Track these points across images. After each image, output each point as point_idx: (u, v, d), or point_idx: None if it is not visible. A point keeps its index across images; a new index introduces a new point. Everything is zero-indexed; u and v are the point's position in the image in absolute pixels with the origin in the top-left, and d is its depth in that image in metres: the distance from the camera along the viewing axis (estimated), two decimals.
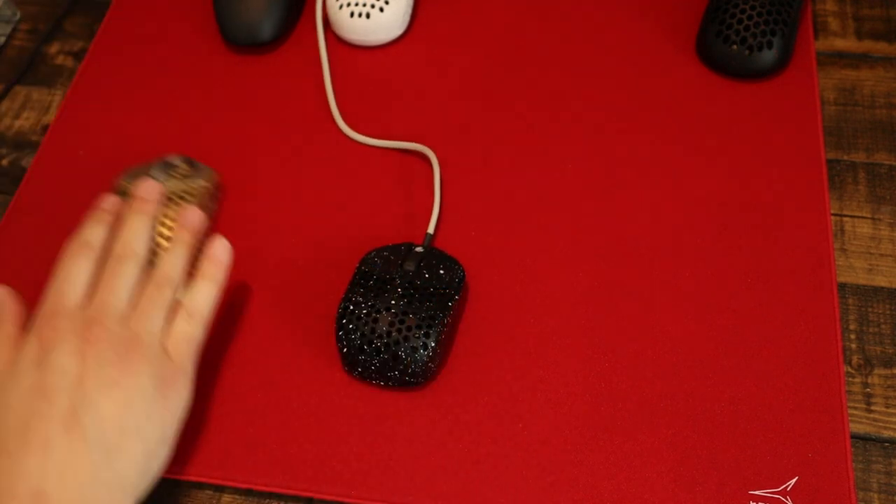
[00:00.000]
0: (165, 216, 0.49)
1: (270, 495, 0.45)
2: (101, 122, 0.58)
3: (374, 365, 0.45)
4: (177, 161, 0.53)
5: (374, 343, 0.45)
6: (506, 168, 0.55)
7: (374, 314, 0.45)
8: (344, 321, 0.46)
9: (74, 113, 0.59)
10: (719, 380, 0.46)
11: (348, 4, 0.59)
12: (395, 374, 0.45)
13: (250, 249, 0.52)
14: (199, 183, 0.52)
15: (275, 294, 0.50)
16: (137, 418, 0.39)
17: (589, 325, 0.48)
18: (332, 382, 0.47)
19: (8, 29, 0.65)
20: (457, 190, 0.54)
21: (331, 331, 0.49)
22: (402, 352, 0.45)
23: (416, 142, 0.55)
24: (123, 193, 0.50)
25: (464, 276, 0.48)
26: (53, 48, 0.64)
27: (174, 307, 0.44)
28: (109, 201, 0.48)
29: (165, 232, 0.48)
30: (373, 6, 0.59)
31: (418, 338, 0.45)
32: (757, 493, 0.43)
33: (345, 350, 0.46)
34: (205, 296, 0.45)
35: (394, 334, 0.45)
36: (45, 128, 0.60)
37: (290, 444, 0.45)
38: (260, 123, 0.58)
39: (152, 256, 0.46)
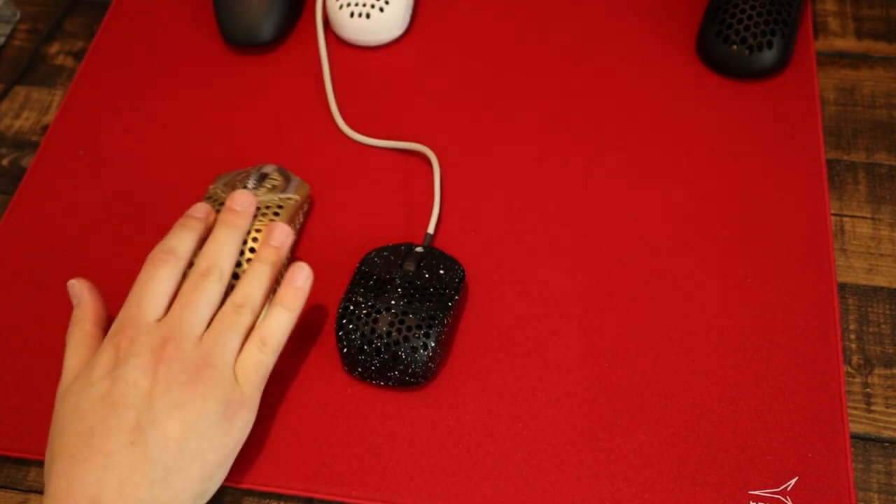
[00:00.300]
0: (254, 229, 0.48)
1: (270, 495, 0.45)
2: (101, 122, 0.58)
3: (374, 365, 0.45)
4: (271, 171, 0.51)
5: (374, 343, 0.45)
6: (506, 168, 0.55)
7: (374, 314, 0.45)
8: (344, 321, 0.46)
9: (74, 113, 0.59)
10: (719, 380, 0.46)
11: (348, 4, 0.59)
12: (395, 374, 0.45)
13: None
14: (291, 196, 0.51)
15: None
16: (199, 441, 0.39)
17: (589, 325, 0.48)
18: (332, 382, 0.47)
19: (8, 29, 0.65)
20: (457, 190, 0.54)
21: (331, 331, 0.49)
22: (402, 352, 0.45)
23: (416, 142, 0.55)
24: (214, 200, 0.50)
25: (464, 276, 0.48)
26: (53, 48, 0.64)
27: (250, 329, 0.43)
28: (199, 209, 0.47)
29: (251, 244, 0.47)
30: (373, 6, 0.59)
31: (418, 338, 0.45)
32: (757, 493, 0.43)
33: (345, 350, 0.46)
34: (280, 324, 0.44)
35: (394, 334, 0.45)
36: (45, 128, 0.60)
37: (290, 444, 0.45)
38: (260, 123, 0.58)
39: (236, 269, 0.45)
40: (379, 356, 0.45)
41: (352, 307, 0.46)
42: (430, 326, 0.45)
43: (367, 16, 0.59)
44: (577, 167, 0.54)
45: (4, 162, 0.58)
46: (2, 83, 0.62)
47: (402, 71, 0.60)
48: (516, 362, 0.47)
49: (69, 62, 0.63)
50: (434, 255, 0.48)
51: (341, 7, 0.59)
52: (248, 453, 0.45)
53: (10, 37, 0.65)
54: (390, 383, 0.46)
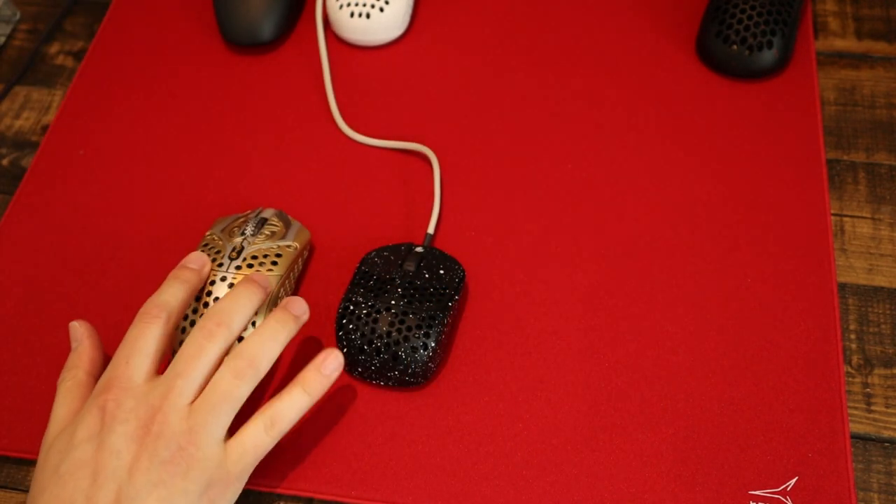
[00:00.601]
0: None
1: (270, 495, 0.45)
2: (101, 122, 0.58)
3: (374, 365, 0.45)
4: (270, 216, 0.49)
5: (374, 343, 0.45)
6: (505, 168, 0.55)
7: (374, 314, 0.45)
8: (344, 321, 0.46)
9: (74, 113, 0.59)
10: (719, 380, 0.46)
11: (348, 4, 0.59)
12: (395, 374, 0.45)
13: None
14: (290, 243, 0.49)
15: None
16: None
17: (589, 325, 0.48)
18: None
19: (8, 29, 0.65)
20: (457, 190, 0.54)
21: (331, 331, 0.49)
22: (402, 352, 0.45)
23: (416, 142, 0.55)
24: (210, 248, 0.48)
25: (464, 276, 0.48)
26: (53, 48, 0.64)
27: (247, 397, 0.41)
28: (194, 259, 0.45)
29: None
30: (373, 6, 0.59)
31: (418, 338, 0.45)
32: (757, 493, 0.43)
33: (345, 350, 0.46)
34: (295, 407, 0.41)
35: (394, 334, 0.45)
36: (45, 128, 0.60)
37: (290, 444, 0.45)
38: (260, 123, 0.58)
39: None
40: (379, 356, 0.45)
41: (352, 307, 0.46)
42: (430, 326, 0.45)
43: (367, 16, 0.59)
44: (576, 167, 0.54)
45: (4, 162, 0.58)
46: (2, 83, 0.62)
47: (402, 71, 0.60)
48: (516, 362, 0.47)
49: (69, 62, 0.63)
50: (434, 256, 0.48)
51: (341, 7, 0.59)
52: None
53: (10, 37, 0.65)
54: (390, 383, 0.46)
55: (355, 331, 0.45)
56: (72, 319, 0.48)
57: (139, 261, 0.52)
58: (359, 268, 0.48)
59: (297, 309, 0.43)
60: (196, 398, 0.40)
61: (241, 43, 0.60)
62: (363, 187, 0.54)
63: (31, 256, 0.53)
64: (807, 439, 0.44)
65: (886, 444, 0.45)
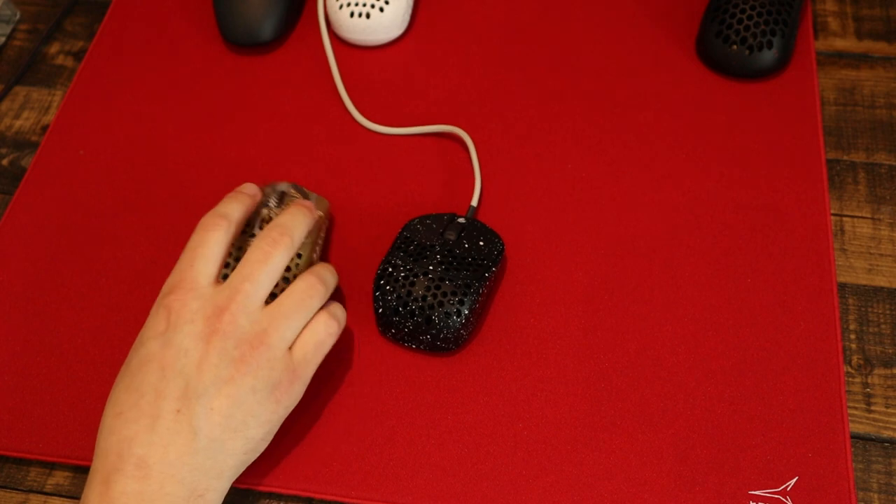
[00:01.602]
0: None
1: (270, 495, 0.45)
2: (101, 122, 0.58)
3: (408, 327, 0.46)
4: (287, 188, 0.49)
5: (409, 305, 0.46)
6: (505, 168, 0.55)
7: (411, 277, 0.46)
8: (381, 282, 0.47)
9: (74, 113, 0.59)
10: (719, 380, 0.46)
11: (348, 4, 0.59)
12: (426, 339, 0.46)
13: None
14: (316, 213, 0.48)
15: None
16: (245, 417, 0.40)
17: (589, 325, 0.48)
18: (332, 382, 0.47)
19: (8, 29, 0.65)
20: (456, 189, 0.54)
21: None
22: (435, 316, 0.45)
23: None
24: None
25: (503, 249, 0.49)
26: (53, 48, 0.64)
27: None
28: (249, 187, 0.47)
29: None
30: (373, 6, 0.59)
31: (452, 304, 0.45)
32: (757, 493, 0.43)
33: (380, 310, 0.47)
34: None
35: (429, 299, 0.46)
36: (45, 128, 0.60)
37: (290, 444, 0.45)
38: (264, 122, 0.57)
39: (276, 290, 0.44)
40: (413, 319, 0.46)
41: (390, 269, 0.47)
42: (465, 294, 0.46)
43: (367, 16, 0.59)
44: (575, 167, 0.54)
45: (4, 162, 0.58)
46: (2, 83, 0.62)
47: (402, 70, 0.60)
48: (516, 362, 0.47)
49: (69, 62, 0.63)
50: (475, 227, 0.49)
51: (341, 7, 0.59)
52: None
53: (10, 37, 0.65)
54: (422, 347, 0.47)
55: (392, 292, 0.46)
56: (71, 319, 0.48)
57: (139, 260, 0.52)
58: (401, 233, 0.49)
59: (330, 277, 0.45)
60: (262, 303, 0.41)
61: (241, 43, 0.60)
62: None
63: (31, 256, 0.53)
64: (807, 439, 0.44)
65: (886, 444, 0.45)
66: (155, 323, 0.40)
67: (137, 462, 0.37)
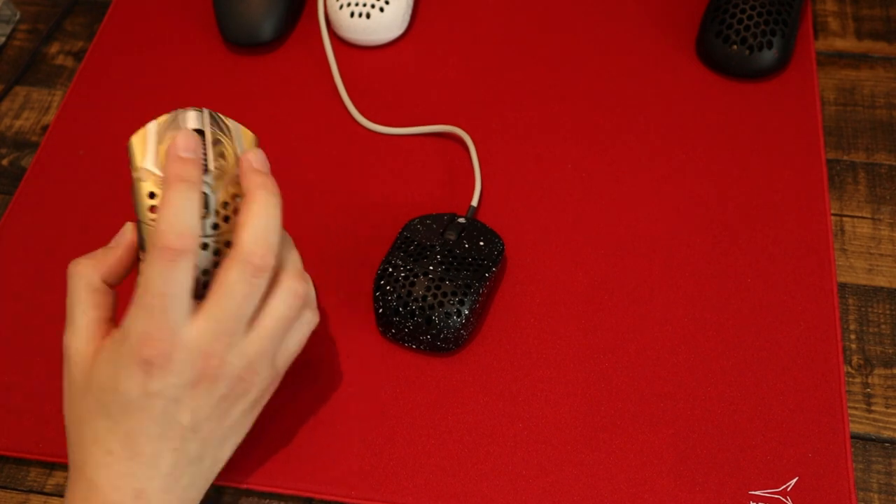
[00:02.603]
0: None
1: (270, 495, 0.45)
2: (101, 122, 0.58)
3: (408, 327, 0.46)
4: (204, 115, 0.40)
5: (409, 306, 0.46)
6: (505, 169, 0.55)
7: (411, 278, 0.46)
8: (382, 282, 0.47)
9: (74, 113, 0.59)
10: (719, 380, 0.46)
11: (348, 4, 0.59)
12: (427, 339, 0.46)
13: None
14: (241, 146, 0.41)
15: None
16: (234, 429, 0.40)
17: (589, 325, 0.48)
18: (331, 382, 0.47)
19: (8, 29, 0.65)
20: (456, 189, 0.54)
21: (343, 320, 0.49)
22: (435, 316, 0.45)
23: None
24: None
25: (503, 249, 0.49)
26: (53, 48, 0.64)
27: None
28: (187, 144, 0.38)
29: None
30: (373, 6, 0.59)
31: (452, 304, 0.45)
32: (757, 493, 0.43)
33: (380, 311, 0.47)
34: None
35: (429, 299, 0.46)
36: (45, 128, 0.60)
37: (290, 444, 0.45)
38: (264, 122, 0.57)
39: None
40: (413, 319, 0.46)
41: (390, 269, 0.47)
42: (465, 294, 0.46)
43: (367, 16, 0.59)
44: (575, 167, 0.54)
45: (4, 162, 0.58)
46: (2, 83, 0.62)
47: (403, 70, 0.60)
48: (516, 362, 0.47)
49: (69, 62, 0.63)
50: (476, 227, 0.49)
51: (341, 7, 0.59)
52: (248, 453, 0.45)
53: (10, 37, 0.65)
54: (422, 347, 0.47)
55: (392, 292, 0.46)
56: None
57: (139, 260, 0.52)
58: (401, 233, 0.49)
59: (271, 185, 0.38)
60: (246, 328, 0.38)
61: (241, 43, 0.60)
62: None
63: (31, 256, 0.53)
64: (807, 439, 0.44)
65: (886, 444, 0.45)
66: (133, 381, 0.36)
67: (136, 494, 0.37)
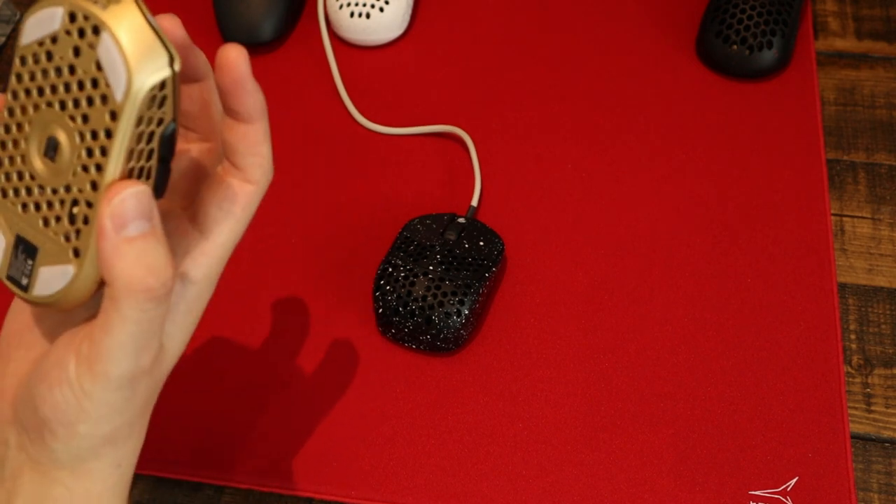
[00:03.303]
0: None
1: (270, 495, 0.45)
2: None
3: (408, 327, 0.46)
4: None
5: (409, 306, 0.46)
6: (505, 169, 0.55)
7: (411, 278, 0.46)
8: (381, 282, 0.47)
9: None
10: (719, 380, 0.46)
11: (348, 4, 0.59)
12: (426, 339, 0.46)
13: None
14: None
15: (282, 292, 0.50)
16: None
17: (589, 325, 0.48)
18: (331, 383, 0.47)
19: (8, 29, 0.65)
20: (456, 189, 0.54)
21: (343, 320, 0.49)
22: (435, 316, 0.45)
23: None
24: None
25: (503, 249, 0.49)
26: None
27: None
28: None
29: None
30: (373, 6, 0.59)
31: (452, 304, 0.45)
32: (757, 493, 0.43)
33: (380, 311, 0.47)
34: None
35: (429, 299, 0.46)
36: None
37: (290, 444, 0.45)
38: (269, 122, 0.57)
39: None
40: (413, 319, 0.46)
41: (390, 269, 0.47)
42: (465, 294, 0.46)
43: (367, 16, 0.59)
44: (575, 167, 0.54)
45: None
46: (2, 83, 0.62)
47: (403, 70, 0.60)
48: (516, 362, 0.47)
49: None
50: (476, 227, 0.49)
51: (341, 7, 0.59)
52: (248, 453, 0.45)
53: (10, 37, 0.65)
54: (422, 347, 0.47)
55: (392, 292, 0.46)
56: None
57: None
58: (401, 233, 0.49)
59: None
60: None
61: (241, 43, 0.60)
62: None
63: None
64: (807, 439, 0.44)
65: (886, 444, 0.45)
66: None
67: None
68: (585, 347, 0.48)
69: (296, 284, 0.51)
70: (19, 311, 0.33)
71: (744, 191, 0.53)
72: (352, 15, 0.59)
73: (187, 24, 0.63)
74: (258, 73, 0.60)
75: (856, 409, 0.46)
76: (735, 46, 0.56)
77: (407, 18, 0.61)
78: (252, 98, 0.30)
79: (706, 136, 0.55)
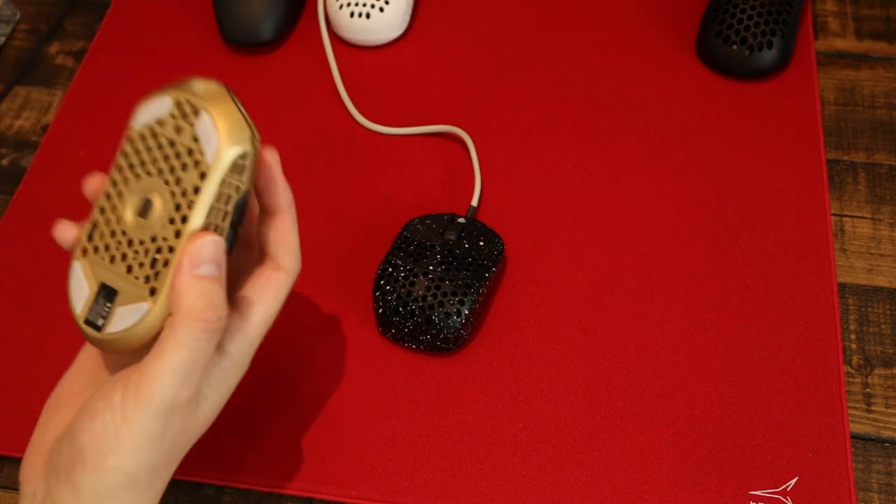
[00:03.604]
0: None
1: (270, 495, 0.45)
2: (101, 122, 0.58)
3: (408, 327, 0.46)
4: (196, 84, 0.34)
5: (409, 306, 0.46)
6: (505, 169, 0.55)
7: (411, 277, 0.46)
8: (381, 282, 0.47)
9: (74, 113, 0.59)
10: (719, 380, 0.46)
11: (348, 4, 0.59)
12: (426, 339, 0.46)
13: None
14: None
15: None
16: None
17: (589, 325, 0.48)
18: (331, 382, 0.47)
19: (8, 29, 0.65)
20: (456, 189, 0.54)
21: (343, 320, 0.49)
22: (435, 316, 0.45)
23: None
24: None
25: (503, 249, 0.49)
26: (53, 48, 0.64)
27: None
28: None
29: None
30: (373, 6, 0.59)
31: (452, 304, 0.45)
32: (757, 493, 0.43)
33: (380, 311, 0.47)
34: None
35: (429, 299, 0.46)
36: (45, 128, 0.60)
37: (290, 444, 0.45)
38: (264, 121, 0.57)
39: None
40: (413, 319, 0.46)
41: (390, 269, 0.47)
42: (465, 294, 0.46)
43: (367, 16, 0.59)
44: (575, 167, 0.54)
45: (4, 162, 0.58)
46: (2, 83, 0.62)
47: (403, 70, 0.60)
48: (516, 362, 0.47)
49: (69, 62, 0.63)
50: (476, 227, 0.49)
51: (341, 7, 0.59)
52: (248, 453, 0.45)
53: (10, 37, 0.65)
54: (422, 347, 0.47)
55: (392, 292, 0.46)
56: (71, 319, 0.48)
57: None
58: (401, 233, 0.49)
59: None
60: None
61: (241, 43, 0.60)
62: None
63: (31, 256, 0.53)
64: (807, 439, 0.44)
65: (886, 444, 0.45)
66: None
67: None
68: (585, 347, 0.48)
69: (296, 284, 0.51)
70: (74, 375, 0.38)
71: (744, 191, 0.53)
72: (352, 15, 0.59)
73: (187, 24, 0.63)
74: (258, 74, 0.60)
75: (856, 409, 0.46)
76: (735, 46, 0.56)
77: (407, 18, 0.61)
78: (284, 193, 0.36)
79: (706, 136, 0.55)
